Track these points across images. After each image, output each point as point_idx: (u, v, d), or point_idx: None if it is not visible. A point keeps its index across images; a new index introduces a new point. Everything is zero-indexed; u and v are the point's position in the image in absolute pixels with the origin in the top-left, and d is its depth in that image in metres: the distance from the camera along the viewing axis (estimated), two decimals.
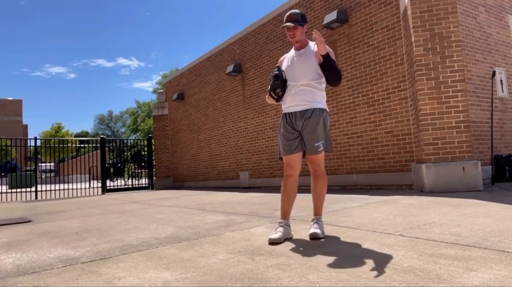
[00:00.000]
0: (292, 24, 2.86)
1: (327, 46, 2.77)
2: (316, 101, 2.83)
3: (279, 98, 2.96)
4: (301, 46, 2.95)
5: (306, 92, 2.83)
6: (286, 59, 3.01)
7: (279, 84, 2.88)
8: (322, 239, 2.72)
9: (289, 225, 2.85)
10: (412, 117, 5.81)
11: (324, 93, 2.93)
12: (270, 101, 3.04)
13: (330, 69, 2.79)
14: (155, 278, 2.04)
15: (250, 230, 3.29)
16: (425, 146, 5.23)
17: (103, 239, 3.29)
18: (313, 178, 2.91)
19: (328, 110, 2.94)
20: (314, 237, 2.73)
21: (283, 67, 2.98)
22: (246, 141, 9.71)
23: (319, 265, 2.08)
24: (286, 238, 2.78)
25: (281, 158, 2.96)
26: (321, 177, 2.89)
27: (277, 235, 2.71)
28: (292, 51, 3.02)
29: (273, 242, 2.67)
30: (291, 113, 2.88)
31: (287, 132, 2.87)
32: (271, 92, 2.92)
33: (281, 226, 2.80)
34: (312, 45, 2.93)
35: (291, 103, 2.88)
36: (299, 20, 2.88)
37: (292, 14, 2.90)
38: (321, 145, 2.79)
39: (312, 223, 2.86)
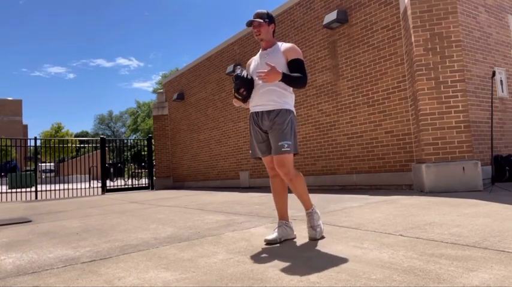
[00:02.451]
0: (258, 20, 2.81)
1: (277, 69, 2.59)
2: (285, 101, 2.76)
3: (244, 99, 2.85)
4: (268, 45, 2.89)
5: (274, 92, 2.75)
6: (254, 60, 2.97)
7: (240, 84, 2.79)
8: (323, 238, 2.74)
9: (288, 225, 2.80)
10: (412, 117, 5.81)
11: (293, 96, 2.86)
12: (237, 103, 2.94)
13: (289, 83, 2.72)
14: (155, 278, 2.04)
15: (250, 230, 3.29)
16: (425, 146, 5.23)
17: (103, 239, 3.29)
18: (287, 183, 2.79)
19: (295, 113, 2.86)
20: (312, 239, 2.72)
21: (251, 68, 2.93)
22: (246, 141, 9.70)
23: (319, 265, 2.08)
24: (287, 238, 2.76)
25: (257, 158, 2.94)
26: (293, 179, 2.74)
27: (273, 235, 2.71)
28: (259, 53, 2.97)
29: (269, 243, 2.66)
30: (257, 112, 2.81)
31: (256, 133, 2.83)
32: (235, 93, 2.84)
33: (279, 227, 2.78)
34: (280, 44, 2.87)
35: (258, 102, 2.80)
36: (264, 17, 2.85)
37: (257, 13, 2.88)
38: (285, 145, 2.66)
39: (307, 219, 2.80)
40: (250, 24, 2.85)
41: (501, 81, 6.59)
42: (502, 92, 6.60)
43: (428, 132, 5.22)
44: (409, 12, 5.45)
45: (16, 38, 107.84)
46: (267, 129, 2.77)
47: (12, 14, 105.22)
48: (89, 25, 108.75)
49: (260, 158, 2.93)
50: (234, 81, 2.82)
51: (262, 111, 2.78)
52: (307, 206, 2.82)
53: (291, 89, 2.84)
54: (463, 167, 5.01)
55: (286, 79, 2.66)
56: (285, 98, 2.77)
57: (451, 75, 5.24)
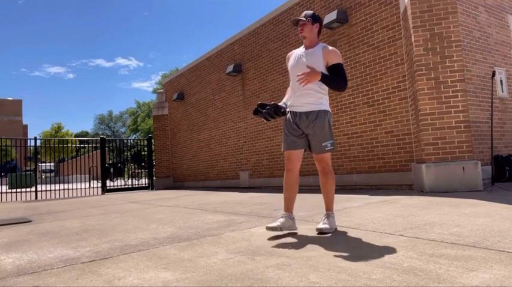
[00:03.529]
0: (302, 19, 3.01)
1: (316, 70, 2.85)
2: (321, 103, 2.96)
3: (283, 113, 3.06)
4: (310, 45, 3.05)
5: (312, 94, 2.95)
6: (294, 56, 3.12)
7: (272, 112, 2.98)
8: (329, 234, 2.84)
9: (292, 218, 2.96)
10: (412, 117, 5.81)
11: (328, 97, 3.06)
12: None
13: (328, 83, 2.92)
14: (155, 278, 2.04)
15: (250, 230, 3.29)
16: (425, 146, 5.23)
17: (103, 239, 3.29)
18: (321, 175, 3.05)
19: (331, 111, 3.07)
20: (320, 232, 2.87)
21: (290, 63, 3.12)
22: (246, 141, 9.71)
23: (319, 265, 2.08)
24: (289, 230, 2.92)
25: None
26: (329, 174, 3.03)
27: (275, 223, 2.86)
28: (301, 49, 3.10)
29: (270, 229, 2.83)
30: (296, 112, 3.00)
31: (292, 129, 3.00)
32: (276, 116, 3.02)
33: (282, 217, 2.92)
34: (322, 46, 3.02)
35: (297, 103, 3.00)
36: (309, 16, 3.02)
37: (304, 12, 3.08)
38: (329, 145, 2.94)
39: (323, 218, 2.99)
40: (296, 22, 3.05)
41: (501, 81, 6.59)
42: (502, 92, 6.60)
43: (428, 132, 5.22)
44: (409, 12, 5.45)
45: (15, 38, 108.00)
46: (303, 128, 2.97)
47: (12, 14, 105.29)
48: (88, 25, 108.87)
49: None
50: (270, 114, 2.99)
51: (300, 112, 2.98)
52: (329, 207, 3.05)
53: (326, 91, 3.03)
54: (463, 167, 5.01)
55: (325, 79, 2.85)
56: (320, 99, 2.97)
57: (451, 75, 5.24)
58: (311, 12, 3.07)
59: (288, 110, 3.08)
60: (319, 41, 3.14)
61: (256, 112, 3.03)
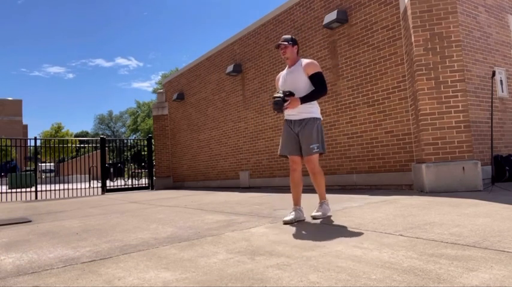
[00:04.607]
0: (284, 43, 3.55)
1: (295, 98, 3.36)
2: (311, 112, 3.49)
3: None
4: (292, 63, 3.60)
5: (302, 106, 3.42)
6: (282, 77, 3.67)
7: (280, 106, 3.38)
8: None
9: (301, 210, 3.53)
10: (412, 117, 5.81)
11: (318, 106, 3.61)
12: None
13: (310, 100, 3.45)
14: (155, 278, 2.04)
15: (250, 230, 3.29)
16: (425, 146, 5.23)
17: (103, 239, 3.30)
18: (311, 175, 3.55)
19: (321, 118, 3.61)
20: (314, 218, 3.44)
21: (280, 83, 3.65)
22: (246, 141, 9.71)
23: (319, 265, 2.08)
24: (299, 219, 3.46)
25: (281, 156, 3.67)
26: (317, 173, 3.52)
27: (289, 217, 3.43)
28: (285, 70, 3.67)
29: (287, 223, 3.38)
30: (291, 120, 3.56)
31: (289, 135, 3.56)
32: (279, 109, 3.41)
33: (294, 211, 3.49)
34: (301, 61, 3.55)
35: (291, 112, 3.52)
36: (288, 40, 3.57)
37: (283, 37, 3.62)
38: (315, 147, 3.39)
39: (318, 207, 3.58)
40: (278, 46, 3.59)
41: (501, 81, 6.59)
42: (502, 92, 6.60)
43: (428, 132, 5.22)
44: (409, 12, 5.45)
45: (15, 38, 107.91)
46: (297, 133, 3.50)
47: (11, 13, 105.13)
48: (87, 25, 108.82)
49: (285, 156, 3.64)
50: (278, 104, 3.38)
51: (294, 120, 3.53)
52: (322, 196, 3.62)
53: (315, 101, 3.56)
54: (463, 167, 5.01)
55: (306, 100, 3.38)
56: (311, 108, 3.50)
57: (451, 75, 5.24)
58: (289, 36, 3.63)
59: (284, 118, 3.63)
60: (301, 56, 3.72)
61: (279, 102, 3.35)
